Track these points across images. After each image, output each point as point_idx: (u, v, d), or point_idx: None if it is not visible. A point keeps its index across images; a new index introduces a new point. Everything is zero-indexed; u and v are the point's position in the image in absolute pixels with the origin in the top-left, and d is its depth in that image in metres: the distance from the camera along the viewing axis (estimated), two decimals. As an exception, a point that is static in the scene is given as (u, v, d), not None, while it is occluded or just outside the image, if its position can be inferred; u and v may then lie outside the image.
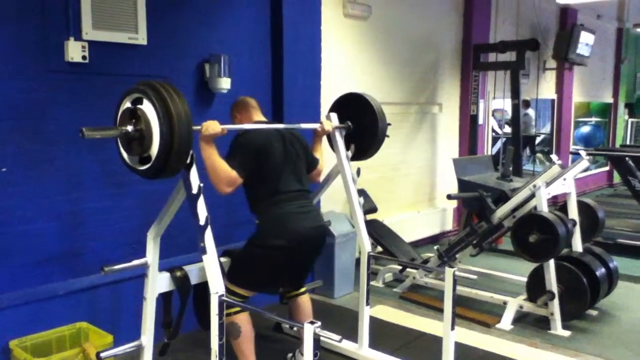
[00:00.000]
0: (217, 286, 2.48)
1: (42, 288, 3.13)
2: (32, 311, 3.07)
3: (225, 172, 2.73)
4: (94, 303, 3.33)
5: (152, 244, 2.73)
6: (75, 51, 3.13)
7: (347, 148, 3.44)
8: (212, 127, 2.65)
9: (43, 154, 3.14)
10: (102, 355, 2.68)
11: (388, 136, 3.53)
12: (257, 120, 3.10)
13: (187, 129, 2.36)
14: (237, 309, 2.82)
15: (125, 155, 2.50)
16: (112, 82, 3.36)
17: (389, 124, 3.51)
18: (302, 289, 3.26)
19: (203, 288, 2.74)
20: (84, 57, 3.17)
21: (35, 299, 3.09)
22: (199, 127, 2.60)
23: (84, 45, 3.16)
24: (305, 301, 3.26)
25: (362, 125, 3.44)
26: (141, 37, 3.42)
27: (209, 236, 2.54)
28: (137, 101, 2.40)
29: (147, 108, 2.34)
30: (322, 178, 3.39)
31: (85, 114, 3.28)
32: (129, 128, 2.38)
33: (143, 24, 3.42)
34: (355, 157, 3.53)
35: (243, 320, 2.89)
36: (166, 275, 2.76)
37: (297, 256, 2.94)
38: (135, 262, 2.68)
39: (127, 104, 2.44)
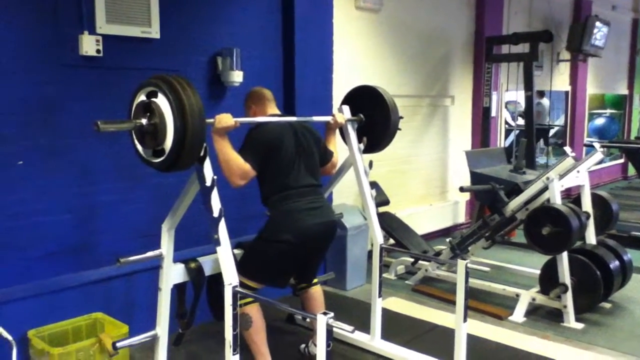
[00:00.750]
0: (230, 278, 2.51)
1: (57, 279, 3.18)
2: (48, 302, 3.12)
3: (238, 165, 2.74)
4: (109, 294, 3.38)
5: (166, 235, 2.75)
6: (89, 45, 3.16)
7: (360, 141, 3.45)
8: (225, 120, 2.67)
9: (57, 148, 3.18)
10: (118, 345, 2.72)
11: (400, 129, 3.53)
12: (271, 114, 3.11)
13: (200, 123, 2.39)
14: (248, 300, 2.85)
15: (139, 148, 2.52)
16: (126, 76, 3.39)
17: (402, 117, 3.51)
18: (314, 280, 3.29)
19: (216, 279, 2.77)
20: (98, 51, 3.19)
21: (51, 290, 3.14)
22: (211, 120, 2.62)
23: (98, 39, 3.19)
24: (317, 292, 3.28)
25: (375, 118, 3.45)
26: (154, 31, 3.44)
27: (222, 228, 2.57)
28: (152, 94, 2.42)
29: (161, 101, 2.36)
30: (335, 170, 3.39)
31: (99, 108, 3.31)
32: (143, 121, 2.40)
33: (156, 18, 3.44)
34: (367, 150, 3.54)
35: (254, 312, 2.92)
36: (181, 266, 2.79)
37: (305, 252, 2.97)
38: (150, 253, 2.71)
39: (141, 98, 2.47)
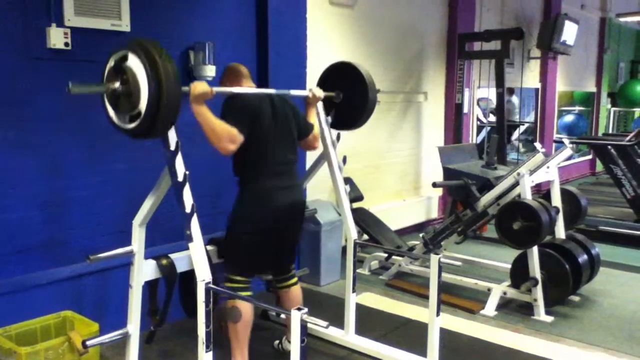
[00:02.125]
0: (203, 274, 2.48)
1: (26, 277, 3.11)
2: (16, 300, 3.05)
3: (225, 129, 2.68)
4: (79, 292, 3.32)
5: (137, 231, 2.71)
6: (57, 38, 3.09)
7: (338, 118, 3.44)
8: (200, 86, 2.61)
9: (25, 142, 3.10)
10: (88, 343, 2.67)
11: (379, 102, 3.54)
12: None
13: (175, 86, 2.34)
14: (242, 294, 2.88)
15: (112, 113, 2.47)
16: (96, 69, 3.30)
17: (379, 90, 3.50)
18: (294, 280, 3.25)
19: (189, 276, 2.74)
20: (66, 44, 3.12)
21: (19, 288, 3.07)
22: (186, 88, 2.57)
23: (67, 32, 3.12)
24: (297, 292, 3.25)
25: (352, 95, 3.41)
26: (124, 24, 3.38)
27: (195, 224, 2.54)
28: (124, 59, 2.37)
29: (135, 64, 2.32)
30: (319, 144, 3.30)
31: (68, 102, 3.24)
32: (116, 85, 2.36)
33: (126, 11, 3.38)
34: (344, 127, 3.53)
35: (245, 307, 2.90)
36: (152, 263, 2.75)
37: (279, 232, 2.98)
38: (121, 250, 2.66)
39: (113, 62, 2.42)
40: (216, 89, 2.70)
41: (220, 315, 3.05)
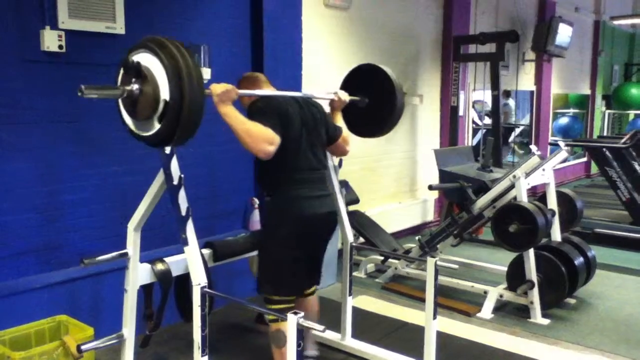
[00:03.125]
0: (199, 278, 2.47)
1: (20, 281, 3.09)
2: (10, 305, 3.02)
3: (261, 130, 2.47)
4: (74, 296, 3.29)
5: (132, 235, 2.69)
6: (51, 40, 3.08)
7: (362, 124, 3.27)
8: (221, 85, 2.44)
9: (20, 145, 3.09)
10: (83, 347, 2.65)
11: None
12: None
13: (199, 88, 2.13)
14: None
15: (128, 119, 2.28)
16: (90, 72, 3.31)
17: (405, 93, 3.31)
18: (313, 288, 3.06)
19: (185, 280, 2.72)
20: (60, 47, 3.11)
21: (13, 292, 3.05)
22: (207, 91, 2.37)
23: (61, 35, 3.11)
24: (314, 300, 3.08)
25: (378, 99, 3.22)
26: (119, 27, 3.37)
27: (190, 227, 2.52)
28: (139, 58, 2.19)
29: (152, 64, 2.13)
30: (349, 147, 3.07)
31: (62, 104, 3.23)
32: (133, 87, 2.15)
33: (121, 13, 3.37)
34: (368, 134, 3.39)
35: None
36: (147, 267, 2.73)
37: (312, 244, 2.82)
38: (116, 253, 2.64)
39: (128, 62, 2.22)
40: (241, 91, 2.56)
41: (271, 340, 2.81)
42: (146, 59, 2.17)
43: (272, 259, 2.78)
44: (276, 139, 2.51)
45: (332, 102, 3.09)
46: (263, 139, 2.47)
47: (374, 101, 3.24)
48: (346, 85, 3.30)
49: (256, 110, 2.59)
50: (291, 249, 2.72)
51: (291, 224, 2.69)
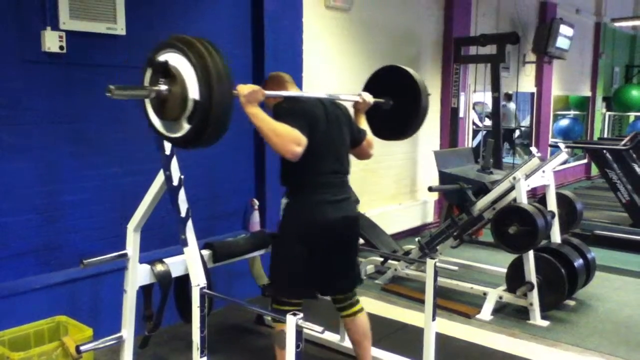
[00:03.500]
0: (198, 278, 2.47)
1: (20, 282, 3.10)
2: (9, 305, 3.03)
3: (289, 131, 2.42)
4: (74, 297, 3.30)
5: (132, 236, 2.70)
6: (52, 41, 3.08)
7: (385, 127, 3.20)
8: (248, 86, 2.39)
9: (20, 146, 3.09)
10: (82, 348, 2.66)
11: None
12: None
13: (228, 89, 2.11)
14: None
15: (156, 120, 2.26)
16: (91, 73, 3.32)
17: (429, 94, 3.26)
18: (358, 306, 2.93)
19: (184, 281, 2.72)
20: (61, 47, 3.12)
21: (13, 293, 3.05)
22: (235, 92, 2.32)
23: (61, 35, 3.11)
24: (362, 320, 2.93)
25: (402, 101, 3.16)
26: (120, 28, 3.38)
27: (190, 228, 2.52)
28: (167, 58, 2.16)
29: (182, 65, 2.10)
30: (373, 151, 3.02)
31: (63, 105, 3.24)
32: (162, 88, 2.13)
33: (122, 14, 3.38)
34: (392, 137, 3.34)
35: None
36: (147, 267, 2.74)
37: (328, 249, 2.71)
38: (115, 254, 2.65)
39: (155, 62, 2.19)
40: (267, 92, 2.50)
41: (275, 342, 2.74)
42: (173, 59, 2.15)
43: (285, 261, 2.72)
44: (303, 140, 2.47)
45: (356, 104, 3.01)
46: (291, 139, 2.43)
47: (398, 103, 3.17)
48: (369, 87, 3.23)
49: (283, 111, 2.56)
50: (302, 252, 2.65)
51: (306, 227, 2.65)
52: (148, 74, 2.21)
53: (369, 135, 2.97)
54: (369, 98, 3.01)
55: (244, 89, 2.38)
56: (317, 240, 2.66)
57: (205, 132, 2.12)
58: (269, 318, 3.76)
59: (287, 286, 2.75)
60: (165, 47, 2.18)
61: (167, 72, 2.12)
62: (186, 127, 2.14)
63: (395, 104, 3.17)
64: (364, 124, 2.99)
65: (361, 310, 2.94)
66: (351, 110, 2.98)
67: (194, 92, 2.08)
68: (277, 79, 2.87)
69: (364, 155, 3.00)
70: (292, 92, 2.75)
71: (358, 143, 2.90)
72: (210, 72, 2.07)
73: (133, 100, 3.51)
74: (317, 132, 2.59)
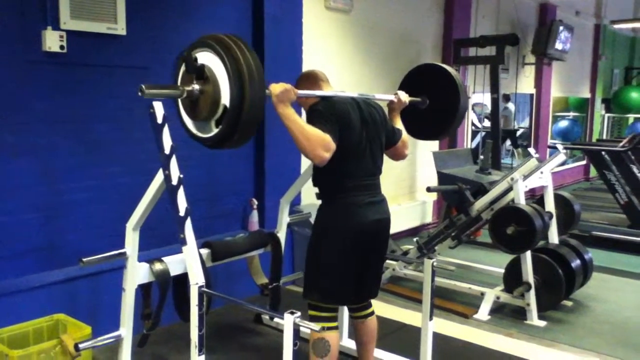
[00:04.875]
0: (197, 277, 2.48)
1: (20, 280, 3.11)
2: (9, 303, 3.04)
3: (319, 135, 2.36)
4: (73, 295, 3.31)
5: (131, 234, 2.71)
6: (52, 41, 3.10)
7: (422, 126, 3.17)
8: (281, 85, 2.36)
9: (22, 146, 3.11)
10: (81, 346, 2.67)
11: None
12: None
13: (260, 89, 2.09)
14: (331, 324, 2.61)
15: (188, 120, 2.25)
16: (91, 73, 3.34)
17: (469, 97, 3.29)
18: (371, 309, 2.90)
19: (183, 279, 2.74)
20: (62, 47, 3.13)
21: (13, 291, 3.06)
22: (267, 91, 2.33)
23: (62, 35, 3.13)
24: (373, 324, 2.91)
25: (440, 101, 3.11)
26: (120, 28, 3.39)
27: (188, 227, 2.53)
28: (200, 57, 2.18)
29: (215, 65, 2.10)
30: (408, 151, 2.98)
31: (63, 105, 3.26)
32: (194, 87, 2.13)
33: (122, 14, 3.39)
34: (428, 136, 3.29)
35: (334, 339, 2.60)
36: (145, 266, 2.75)
37: (365, 252, 2.64)
38: (114, 253, 2.66)
39: (188, 61, 2.20)
40: (300, 92, 2.48)
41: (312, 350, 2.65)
42: (207, 58, 2.14)
43: (322, 265, 2.63)
44: (333, 145, 2.41)
45: (391, 104, 2.97)
46: (320, 144, 2.37)
47: (435, 102, 3.12)
48: (404, 86, 3.18)
49: (316, 114, 2.48)
50: (342, 254, 2.59)
51: (347, 230, 2.58)
52: (181, 72, 2.20)
53: (404, 135, 2.90)
54: (405, 97, 2.96)
55: (277, 88, 2.34)
56: (357, 243, 2.59)
57: (233, 137, 2.12)
58: (268, 317, 3.78)
59: (326, 291, 2.62)
60: (199, 46, 2.17)
61: (202, 74, 2.11)
62: (214, 130, 2.14)
63: (431, 104, 3.12)
64: (399, 124, 2.93)
65: (373, 313, 2.91)
66: (386, 110, 2.94)
67: (225, 96, 2.07)
68: (310, 78, 2.77)
69: (399, 155, 2.93)
70: (326, 91, 2.66)
71: (393, 143, 2.85)
72: (243, 76, 2.05)
73: (133, 101, 3.54)
74: (352, 134, 2.54)
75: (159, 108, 2.34)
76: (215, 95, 2.09)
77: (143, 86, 2.04)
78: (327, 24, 5.13)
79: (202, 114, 2.15)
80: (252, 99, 2.07)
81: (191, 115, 2.21)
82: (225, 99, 2.07)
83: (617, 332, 3.86)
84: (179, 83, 2.22)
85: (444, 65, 3.19)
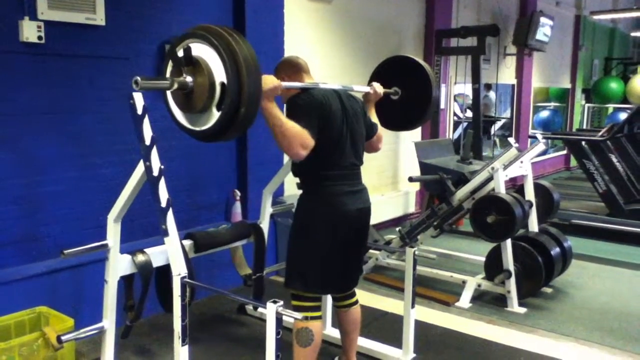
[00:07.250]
0: (179, 268, 2.48)
1: (0, 273, 3.08)
2: (-11, 297, 3.02)
3: (298, 132, 2.37)
4: (54, 287, 3.29)
5: (112, 226, 2.69)
6: (30, 31, 3.06)
7: (393, 118, 3.19)
8: (271, 79, 2.35)
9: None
10: (63, 338, 2.66)
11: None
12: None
13: (257, 79, 2.05)
14: (314, 314, 2.62)
15: (179, 113, 2.22)
16: (70, 64, 3.30)
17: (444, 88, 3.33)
18: (355, 298, 2.93)
19: (166, 271, 2.73)
20: (39, 38, 3.10)
21: (-7, 284, 3.04)
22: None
23: (40, 25, 3.09)
24: (357, 313, 2.94)
25: (411, 92, 3.15)
26: (99, 18, 3.36)
27: (170, 218, 2.53)
28: (189, 49, 2.13)
29: (208, 55, 2.06)
30: (382, 145, 3.02)
31: (42, 96, 3.22)
32: (187, 79, 2.09)
33: (101, 4, 3.36)
34: (400, 127, 3.34)
35: (317, 329, 2.62)
36: (127, 258, 2.74)
37: (348, 240, 2.67)
38: (96, 244, 2.65)
39: (180, 52, 2.14)
40: (284, 83, 2.47)
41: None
42: (195, 48, 2.11)
43: (305, 254, 2.65)
44: (310, 142, 2.42)
45: (366, 95, 2.98)
46: (298, 142, 2.38)
47: (407, 93, 3.16)
48: (375, 78, 3.21)
49: (296, 108, 2.47)
50: (326, 244, 2.61)
51: (328, 219, 2.59)
52: (169, 66, 2.17)
53: (380, 130, 2.94)
54: (380, 89, 2.99)
55: (267, 84, 2.33)
56: (339, 231, 2.61)
57: (238, 115, 2.06)
58: (251, 307, 3.79)
59: (308, 280, 2.62)
60: (185, 38, 2.15)
61: (190, 60, 2.07)
62: (216, 115, 2.09)
63: (404, 94, 3.16)
64: (374, 116, 2.95)
65: (357, 302, 2.93)
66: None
67: (220, 75, 2.02)
68: (292, 66, 2.73)
69: (373, 149, 2.96)
70: (308, 83, 2.64)
71: (369, 137, 2.87)
72: (235, 52, 2.01)
73: (113, 91, 3.52)
74: (334, 125, 2.54)
75: (139, 99, 2.32)
76: (210, 78, 2.05)
77: (138, 78, 2.02)
78: (309, 14, 5.12)
79: (199, 104, 2.11)
80: (248, 74, 2.04)
81: (187, 108, 2.19)
82: (221, 77, 2.02)
83: (595, 318, 3.93)
84: (169, 75, 2.19)
85: (416, 58, 3.24)
